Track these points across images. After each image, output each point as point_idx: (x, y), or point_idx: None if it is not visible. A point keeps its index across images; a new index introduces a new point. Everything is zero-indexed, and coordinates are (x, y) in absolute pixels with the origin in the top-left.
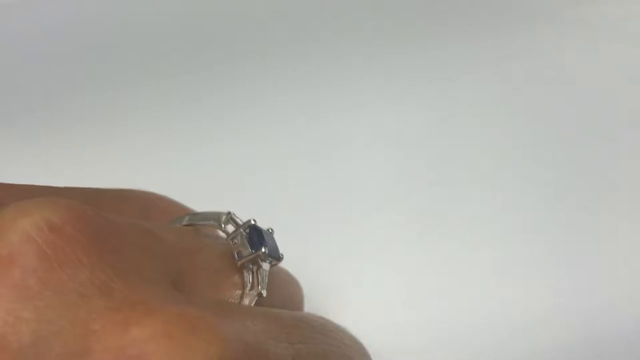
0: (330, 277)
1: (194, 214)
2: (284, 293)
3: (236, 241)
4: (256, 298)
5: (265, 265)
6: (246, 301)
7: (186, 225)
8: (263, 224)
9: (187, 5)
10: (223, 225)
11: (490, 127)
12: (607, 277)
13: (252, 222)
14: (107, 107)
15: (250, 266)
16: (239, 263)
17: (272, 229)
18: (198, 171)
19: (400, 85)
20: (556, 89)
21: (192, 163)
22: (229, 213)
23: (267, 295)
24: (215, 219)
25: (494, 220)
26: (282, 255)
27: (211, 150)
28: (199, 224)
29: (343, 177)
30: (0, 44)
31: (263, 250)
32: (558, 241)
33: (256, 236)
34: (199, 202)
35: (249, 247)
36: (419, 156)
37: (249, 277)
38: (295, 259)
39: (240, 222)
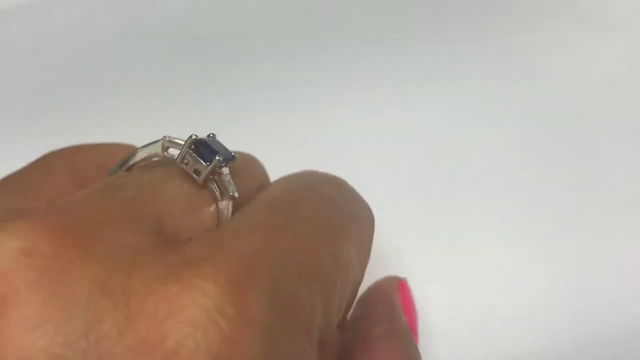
0: None
1: (130, 157)
2: (250, 177)
3: (187, 161)
4: (231, 203)
5: (225, 170)
6: (225, 212)
7: (127, 170)
8: None
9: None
10: (165, 153)
11: (494, 126)
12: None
13: (194, 137)
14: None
15: (211, 177)
16: (201, 180)
17: (212, 134)
18: None
19: (402, 86)
20: (562, 86)
21: None
22: (164, 137)
23: (241, 191)
24: (154, 151)
25: (494, 222)
26: (234, 153)
27: None
28: (140, 164)
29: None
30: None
31: (217, 157)
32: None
33: (204, 148)
34: None
35: (202, 161)
36: (423, 155)
37: (215, 189)
38: None
39: (181, 142)
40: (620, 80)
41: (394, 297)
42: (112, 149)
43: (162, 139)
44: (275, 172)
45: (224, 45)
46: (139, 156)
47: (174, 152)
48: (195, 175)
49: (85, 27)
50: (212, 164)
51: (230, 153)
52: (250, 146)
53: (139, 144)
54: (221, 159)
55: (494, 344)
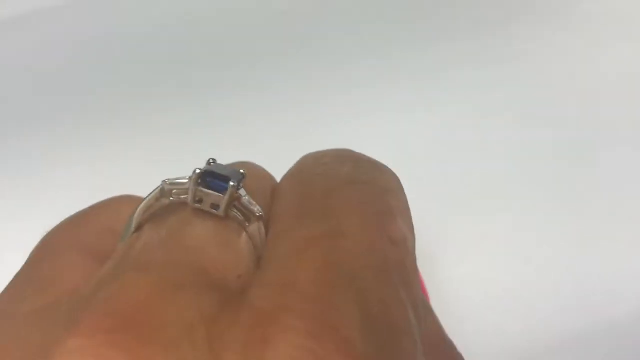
0: None
1: (137, 215)
2: (261, 187)
3: (199, 198)
4: (259, 223)
5: (242, 192)
6: (257, 236)
7: (138, 229)
8: None
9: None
10: (171, 199)
11: (494, 126)
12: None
13: (198, 171)
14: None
15: (233, 204)
16: (223, 213)
17: (212, 159)
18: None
19: (402, 86)
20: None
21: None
22: (164, 182)
23: (262, 206)
24: (158, 199)
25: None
26: (242, 172)
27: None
28: (150, 217)
29: None
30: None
31: (231, 184)
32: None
33: (211, 177)
34: None
35: (216, 192)
36: (423, 156)
37: (238, 215)
38: None
39: (184, 181)
40: (620, 81)
41: None
42: (117, 207)
43: (162, 184)
44: (276, 171)
45: (225, 46)
46: (146, 210)
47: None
48: (214, 210)
49: (87, 29)
50: (228, 191)
51: (239, 172)
52: (250, 146)
53: (140, 144)
54: (235, 184)
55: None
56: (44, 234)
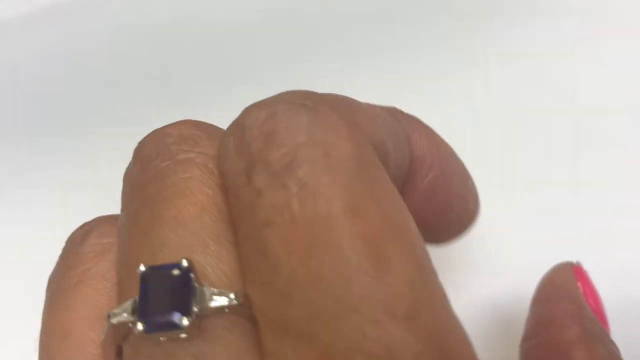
0: None
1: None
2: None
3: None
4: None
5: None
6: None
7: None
8: None
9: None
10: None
11: (494, 125)
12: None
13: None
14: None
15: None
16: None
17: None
18: None
19: (402, 86)
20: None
21: None
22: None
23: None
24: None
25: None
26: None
27: None
28: None
29: None
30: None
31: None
32: None
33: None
34: None
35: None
36: None
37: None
38: None
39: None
40: (620, 79)
41: (576, 291)
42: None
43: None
44: None
45: (225, 47)
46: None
47: None
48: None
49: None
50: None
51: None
52: None
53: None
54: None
55: None
56: None
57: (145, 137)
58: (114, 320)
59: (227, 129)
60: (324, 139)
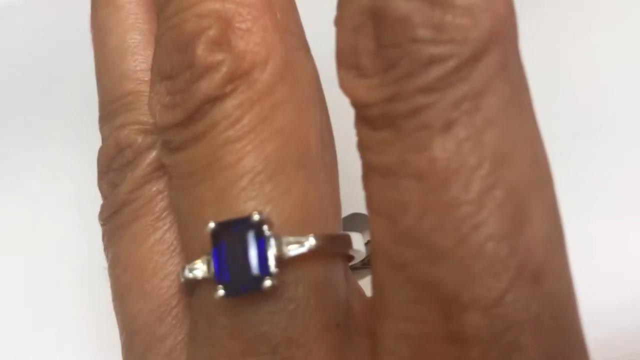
0: None
1: None
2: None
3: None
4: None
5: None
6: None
7: None
8: None
9: None
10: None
11: None
12: None
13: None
14: None
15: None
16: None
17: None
18: None
19: None
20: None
21: None
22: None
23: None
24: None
25: None
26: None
27: None
28: None
29: (346, 178)
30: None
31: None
32: None
33: (231, 251)
34: None
35: (246, 268)
36: None
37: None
38: None
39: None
40: (620, 75)
41: None
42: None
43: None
44: None
45: None
46: None
47: None
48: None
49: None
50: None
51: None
52: None
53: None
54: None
55: None
56: None
57: None
58: (190, 275)
59: None
60: None
